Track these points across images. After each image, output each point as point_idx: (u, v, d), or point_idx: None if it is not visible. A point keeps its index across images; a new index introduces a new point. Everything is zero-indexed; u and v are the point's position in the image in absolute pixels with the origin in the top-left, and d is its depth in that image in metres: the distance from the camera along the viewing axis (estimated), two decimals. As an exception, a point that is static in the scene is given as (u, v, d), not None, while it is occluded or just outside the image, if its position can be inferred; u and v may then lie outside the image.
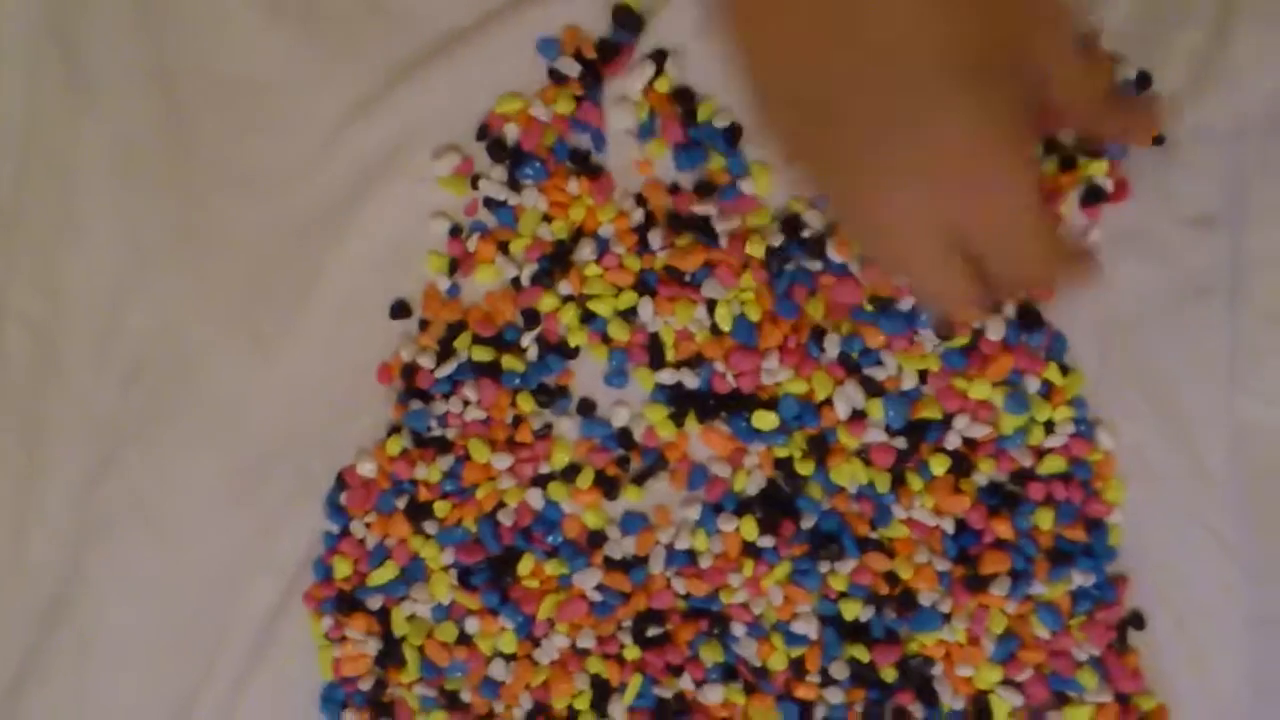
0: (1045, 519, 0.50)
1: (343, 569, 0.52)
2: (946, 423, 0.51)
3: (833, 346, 0.50)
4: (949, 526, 0.51)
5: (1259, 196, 0.48)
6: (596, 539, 0.52)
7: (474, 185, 0.52)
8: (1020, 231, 0.39)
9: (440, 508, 0.52)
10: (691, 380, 0.51)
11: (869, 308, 0.50)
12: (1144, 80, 0.50)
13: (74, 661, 0.53)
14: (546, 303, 0.52)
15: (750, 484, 0.52)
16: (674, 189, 0.51)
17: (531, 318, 0.52)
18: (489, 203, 0.52)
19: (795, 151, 0.40)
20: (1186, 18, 0.49)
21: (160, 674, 0.53)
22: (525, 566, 0.52)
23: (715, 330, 0.51)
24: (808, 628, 0.51)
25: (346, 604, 0.53)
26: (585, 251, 0.51)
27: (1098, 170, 0.50)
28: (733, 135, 0.51)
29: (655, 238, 0.51)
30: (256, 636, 0.53)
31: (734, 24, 0.38)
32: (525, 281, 0.52)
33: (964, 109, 0.36)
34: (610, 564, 0.52)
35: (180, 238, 0.52)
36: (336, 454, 0.53)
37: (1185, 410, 0.50)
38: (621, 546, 0.52)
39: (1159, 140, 0.49)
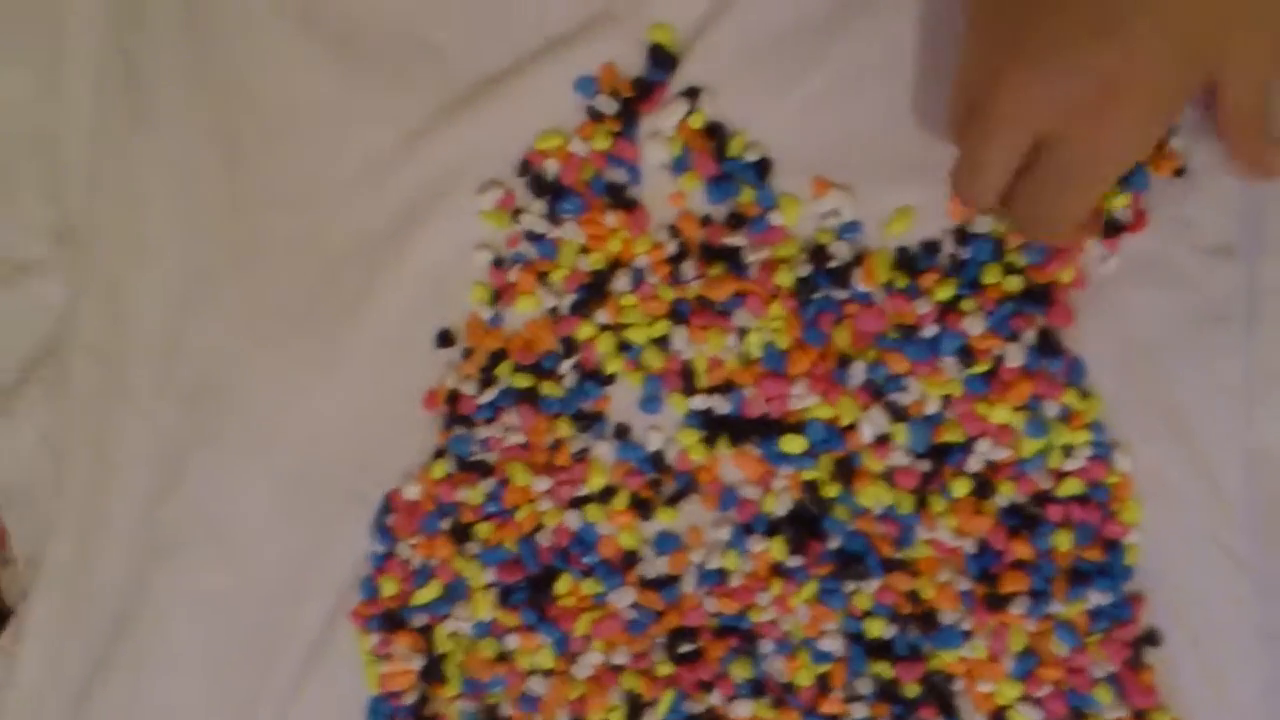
0: (1064, 540, 0.52)
1: (389, 588, 0.55)
2: (968, 446, 0.52)
3: (858, 373, 0.52)
4: (970, 547, 0.52)
5: (1274, 226, 0.50)
6: (631, 559, 0.54)
7: (515, 218, 0.54)
8: (1084, 179, 0.42)
9: (482, 529, 0.54)
10: (723, 406, 0.53)
11: (893, 335, 0.52)
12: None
13: (137, 672, 0.55)
14: (584, 331, 0.54)
15: (779, 505, 0.53)
16: (706, 221, 0.53)
17: (570, 346, 0.54)
18: (530, 235, 0.54)
19: None
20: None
21: (218, 685, 0.55)
22: (563, 585, 0.54)
23: (745, 358, 0.53)
24: (834, 645, 0.53)
25: (392, 622, 0.55)
26: (621, 282, 0.53)
27: (1118, 203, 0.51)
28: (762, 169, 0.53)
29: (688, 268, 0.53)
30: (308, 651, 0.55)
31: None
32: (564, 311, 0.54)
33: (1166, 52, 0.40)
34: (644, 583, 0.54)
35: (237, 258, 0.54)
36: (384, 476, 0.55)
37: (1201, 434, 0.51)
38: (655, 566, 0.54)
39: (1179, 172, 0.51)
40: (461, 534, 0.55)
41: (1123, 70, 0.41)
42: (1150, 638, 0.53)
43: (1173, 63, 0.41)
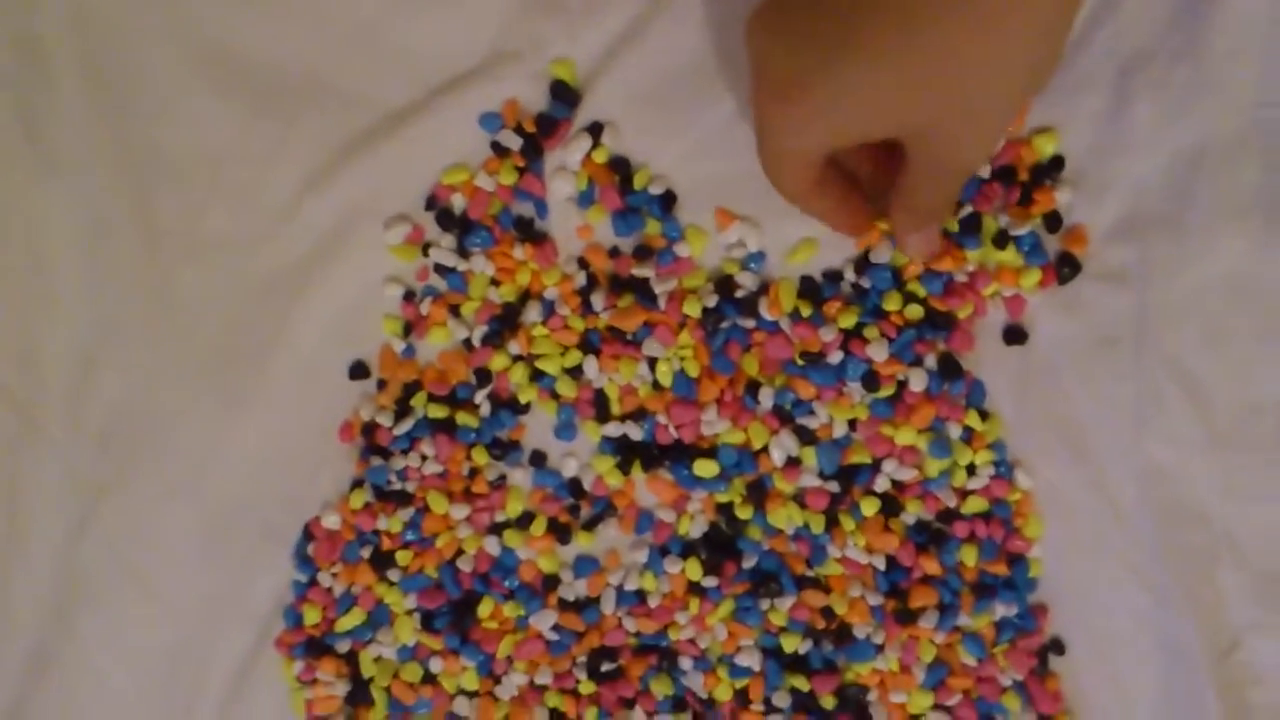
0: (969, 555, 0.53)
1: (312, 616, 0.55)
2: (876, 467, 0.54)
3: (767, 399, 0.53)
4: (880, 564, 0.54)
5: (1159, 253, 0.51)
6: (551, 582, 0.56)
7: (425, 252, 0.54)
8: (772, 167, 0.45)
9: (402, 556, 0.55)
10: (636, 432, 0.54)
11: (800, 362, 0.53)
12: (1057, 163, 0.52)
13: (60, 711, 0.56)
14: (497, 362, 0.54)
15: (694, 528, 0.55)
16: (614, 253, 0.54)
17: (483, 376, 0.54)
18: (439, 269, 0.54)
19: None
20: (1088, 83, 0.51)
21: (142, 719, 0.56)
22: (485, 609, 0.55)
23: (657, 385, 0.54)
24: (751, 660, 0.55)
25: (316, 648, 0.56)
26: (532, 313, 0.54)
27: (1029, 279, 0.53)
28: (667, 201, 0.53)
29: (598, 299, 0.53)
30: (233, 681, 0.56)
31: None
32: (476, 342, 0.54)
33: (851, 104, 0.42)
34: (564, 605, 0.55)
35: (147, 304, 0.55)
36: (303, 508, 0.56)
37: (1097, 452, 0.52)
38: (574, 588, 0.55)
39: (1055, 215, 0.52)
40: (382, 561, 0.55)
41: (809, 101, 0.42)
42: (1055, 646, 0.54)
43: (847, 113, 0.42)
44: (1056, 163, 0.52)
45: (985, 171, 0.51)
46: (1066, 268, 0.52)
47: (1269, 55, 0.49)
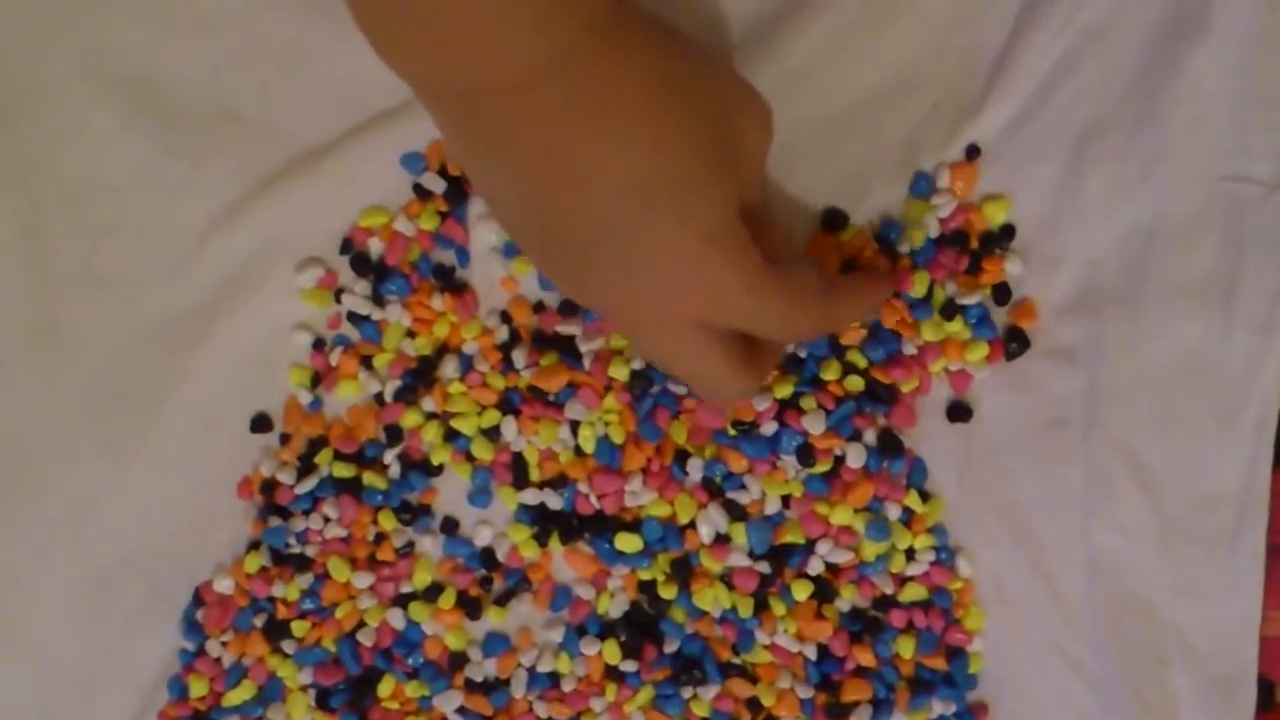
0: (906, 647, 0.50)
1: (198, 688, 0.52)
2: (809, 548, 0.50)
3: (696, 470, 0.50)
4: (811, 653, 0.50)
5: (1112, 331, 0.48)
6: (458, 660, 0.52)
7: (337, 299, 0.51)
8: (765, 305, 0.41)
9: (299, 627, 0.51)
10: (555, 501, 0.51)
11: (732, 432, 0.50)
12: (1008, 232, 0.50)
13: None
14: (409, 419, 0.51)
15: (613, 607, 0.51)
16: (538, 307, 0.51)
17: (394, 434, 0.51)
18: (352, 317, 0.51)
19: (558, 282, 0.43)
20: (1043, 150, 0.48)
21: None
22: (385, 688, 0.51)
23: (579, 451, 0.50)
24: (669, 753, 0.51)
25: (201, 724, 0.51)
26: (449, 368, 0.51)
27: (975, 354, 0.50)
28: (596, 256, 0.50)
29: (519, 357, 0.50)
30: (109, 755, 0.51)
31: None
32: (388, 397, 0.51)
33: (659, 222, 0.38)
34: (471, 686, 0.52)
35: (35, 339, 0.51)
36: (193, 569, 0.52)
37: (1042, 539, 0.49)
38: (483, 668, 0.52)
39: (1004, 288, 0.49)
40: (276, 631, 0.52)
41: (661, 249, 0.40)
42: (994, 748, 0.51)
43: (686, 211, 0.39)
44: (1007, 231, 0.49)
45: (934, 231, 0.48)
46: (1015, 343, 0.49)
47: (1231, 127, 0.47)
